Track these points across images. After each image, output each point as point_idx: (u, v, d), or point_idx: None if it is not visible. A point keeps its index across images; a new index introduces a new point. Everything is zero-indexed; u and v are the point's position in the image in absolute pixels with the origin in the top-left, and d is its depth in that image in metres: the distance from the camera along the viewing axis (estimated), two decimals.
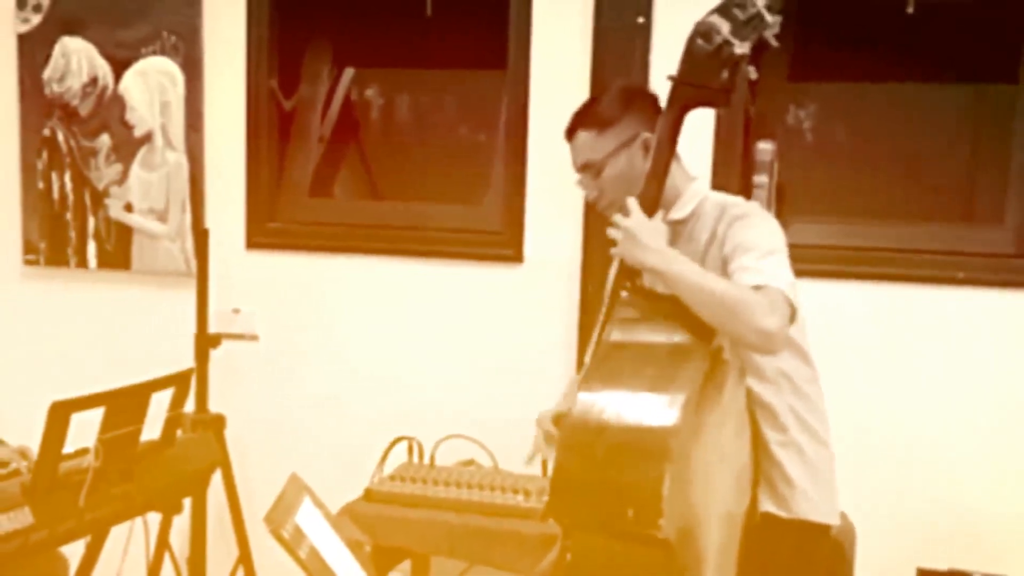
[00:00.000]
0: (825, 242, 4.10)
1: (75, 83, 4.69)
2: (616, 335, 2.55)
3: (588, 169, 2.98)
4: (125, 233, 4.72)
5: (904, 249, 4.08)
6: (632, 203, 2.67)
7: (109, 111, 4.68)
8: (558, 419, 3.01)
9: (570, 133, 3.02)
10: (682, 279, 2.58)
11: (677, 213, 2.91)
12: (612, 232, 2.68)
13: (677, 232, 2.90)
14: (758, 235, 2.74)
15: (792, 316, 2.59)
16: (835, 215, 4.29)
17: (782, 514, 2.89)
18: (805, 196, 4.37)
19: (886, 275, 4.04)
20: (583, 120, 3.00)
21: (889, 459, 4.03)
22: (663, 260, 2.61)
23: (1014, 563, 3.89)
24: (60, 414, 2.90)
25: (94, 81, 4.66)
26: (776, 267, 2.64)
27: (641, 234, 2.63)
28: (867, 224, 4.21)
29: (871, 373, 4.05)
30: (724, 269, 2.73)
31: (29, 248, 4.85)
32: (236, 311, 4.60)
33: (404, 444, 4.05)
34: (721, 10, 2.52)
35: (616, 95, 3.02)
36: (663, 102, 2.75)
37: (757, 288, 2.56)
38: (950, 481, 4.01)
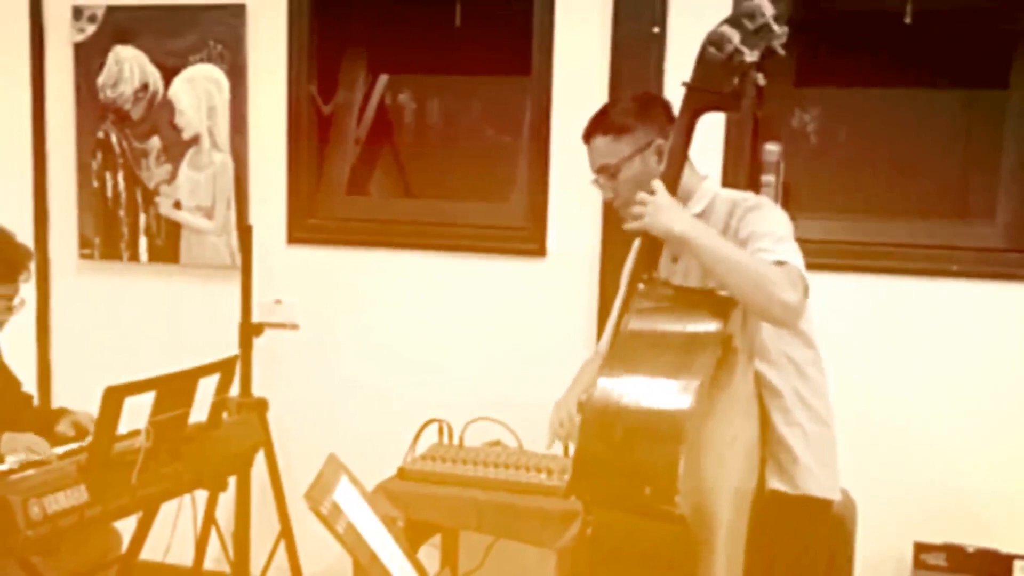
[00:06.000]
0: (828, 237, 4.08)
1: (127, 89, 4.69)
2: (634, 324, 2.53)
3: (604, 171, 2.95)
4: (174, 229, 4.73)
5: (901, 244, 4.06)
6: (657, 184, 2.64)
7: (159, 115, 4.68)
8: (582, 406, 3.00)
9: (587, 137, 2.99)
10: (710, 247, 2.56)
11: (690, 210, 2.89)
12: (636, 209, 2.64)
13: None
14: (772, 223, 2.73)
15: (806, 292, 2.58)
16: (837, 212, 4.27)
17: (788, 490, 2.88)
18: (809, 194, 4.35)
19: (885, 268, 4.03)
20: (600, 125, 2.96)
21: (888, 440, 4.01)
22: (692, 227, 2.59)
23: (1006, 537, 3.87)
24: (114, 398, 2.91)
25: (145, 87, 4.67)
26: (791, 250, 2.64)
27: (667, 205, 2.60)
28: (867, 220, 4.20)
29: (871, 360, 4.03)
30: None
31: (84, 243, 4.86)
32: (278, 302, 4.60)
33: (435, 426, 4.06)
34: (732, 20, 2.51)
35: (632, 103, 2.99)
36: (676, 109, 2.73)
37: (778, 264, 2.55)
38: (945, 461, 4.00)
